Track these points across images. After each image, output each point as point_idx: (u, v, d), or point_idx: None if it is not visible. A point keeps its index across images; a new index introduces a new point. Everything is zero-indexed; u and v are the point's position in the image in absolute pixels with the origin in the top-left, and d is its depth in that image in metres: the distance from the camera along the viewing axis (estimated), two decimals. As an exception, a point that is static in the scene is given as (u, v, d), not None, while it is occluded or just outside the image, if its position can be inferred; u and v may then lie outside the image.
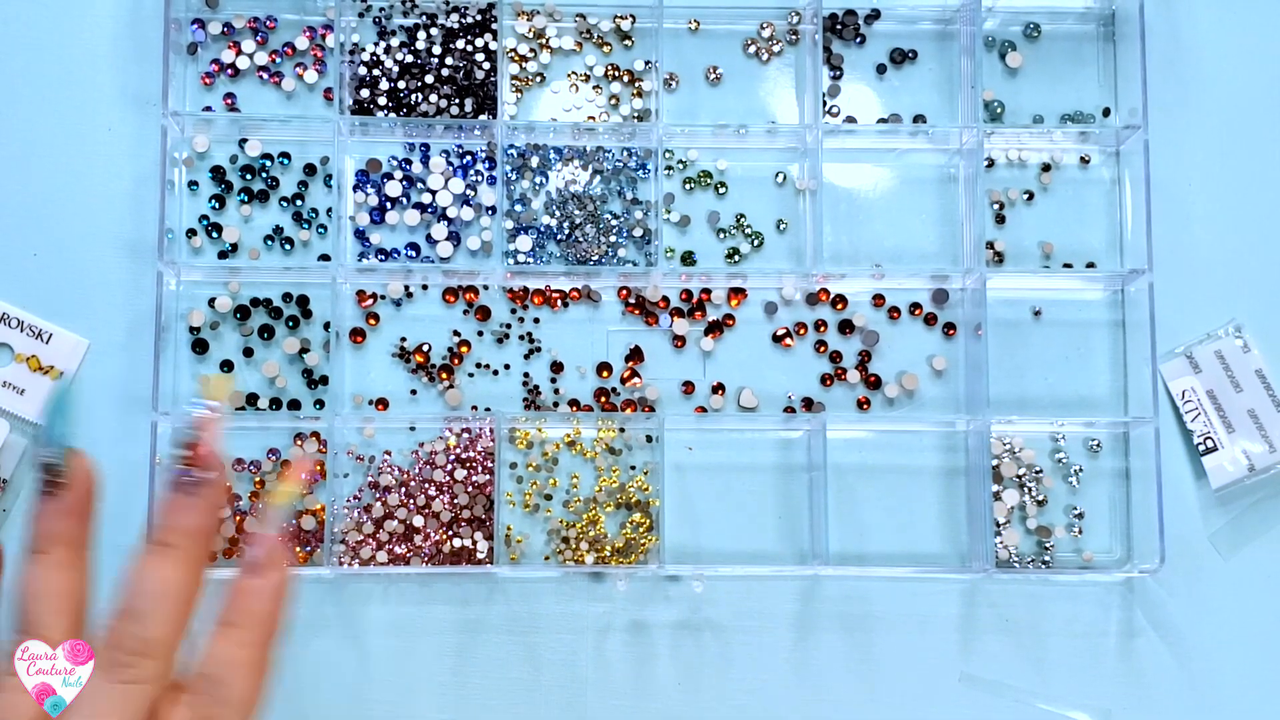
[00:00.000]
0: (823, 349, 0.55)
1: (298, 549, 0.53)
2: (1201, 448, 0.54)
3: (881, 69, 0.57)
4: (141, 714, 0.38)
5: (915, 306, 0.56)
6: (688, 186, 0.56)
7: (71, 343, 0.53)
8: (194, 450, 0.38)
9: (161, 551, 0.39)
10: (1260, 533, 0.55)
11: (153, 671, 0.38)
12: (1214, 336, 0.55)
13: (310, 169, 0.55)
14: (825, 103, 0.56)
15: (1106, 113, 0.57)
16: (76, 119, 0.55)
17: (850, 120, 0.56)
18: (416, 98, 0.55)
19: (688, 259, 0.55)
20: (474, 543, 0.53)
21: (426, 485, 0.53)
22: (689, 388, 0.55)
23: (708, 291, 0.55)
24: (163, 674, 0.38)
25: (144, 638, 0.38)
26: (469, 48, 0.55)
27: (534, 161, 0.55)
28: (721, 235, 0.56)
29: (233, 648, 0.39)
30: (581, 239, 0.55)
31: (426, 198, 0.55)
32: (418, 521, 0.53)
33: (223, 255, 0.54)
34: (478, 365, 0.55)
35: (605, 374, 0.55)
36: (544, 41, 0.56)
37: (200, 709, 0.38)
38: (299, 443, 0.53)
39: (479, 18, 0.55)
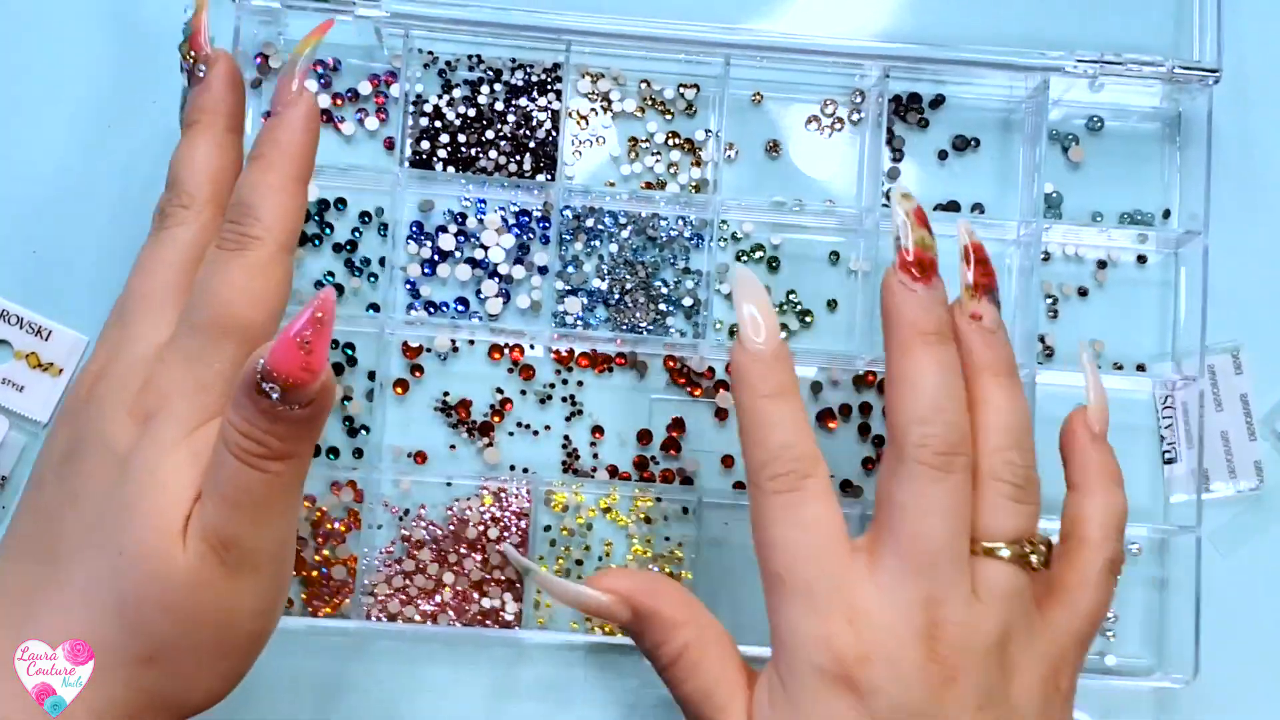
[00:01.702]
0: (866, 433, 0.55)
1: (327, 599, 0.52)
2: (1167, 455, 0.54)
3: (943, 154, 0.56)
4: (182, 252, 0.43)
5: (961, 395, 0.55)
6: (741, 259, 0.56)
7: (71, 340, 0.53)
8: (192, 43, 0.45)
9: (186, 131, 0.45)
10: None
11: (188, 215, 0.44)
12: (1211, 349, 0.55)
13: (365, 216, 0.55)
14: (884, 185, 0.56)
15: (1166, 214, 0.56)
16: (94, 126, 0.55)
17: (908, 204, 0.56)
18: (476, 152, 0.55)
19: (734, 332, 0.55)
20: (502, 604, 0.53)
21: (459, 543, 0.53)
22: (728, 461, 0.55)
23: (755, 366, 0.55)
24: (202, 217, 0.44)
25: (180, 192, 0.44)
26: (532, 106, 0.55)
27: (589, 223, 0.55)
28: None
29: (259, 173, 0.43)
30: (631, 305, 0.55)
31: (479, 253, 0.55)
32: (448, 579, 0.53)
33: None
34: (518, 424, 0.54)
35: (645, 442, 0.54)
36: (607, 104, 0.56)
37: (233, 231, 0.42)
38: (335, 491, 0.53)
39: (544, 77, 0.55)
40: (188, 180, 0.44)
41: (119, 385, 0.41)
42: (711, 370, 0.55)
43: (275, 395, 0.37)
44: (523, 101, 0.55)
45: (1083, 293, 0.56)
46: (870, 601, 0.41)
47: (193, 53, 0.45)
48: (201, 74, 0.45)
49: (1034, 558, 0.42)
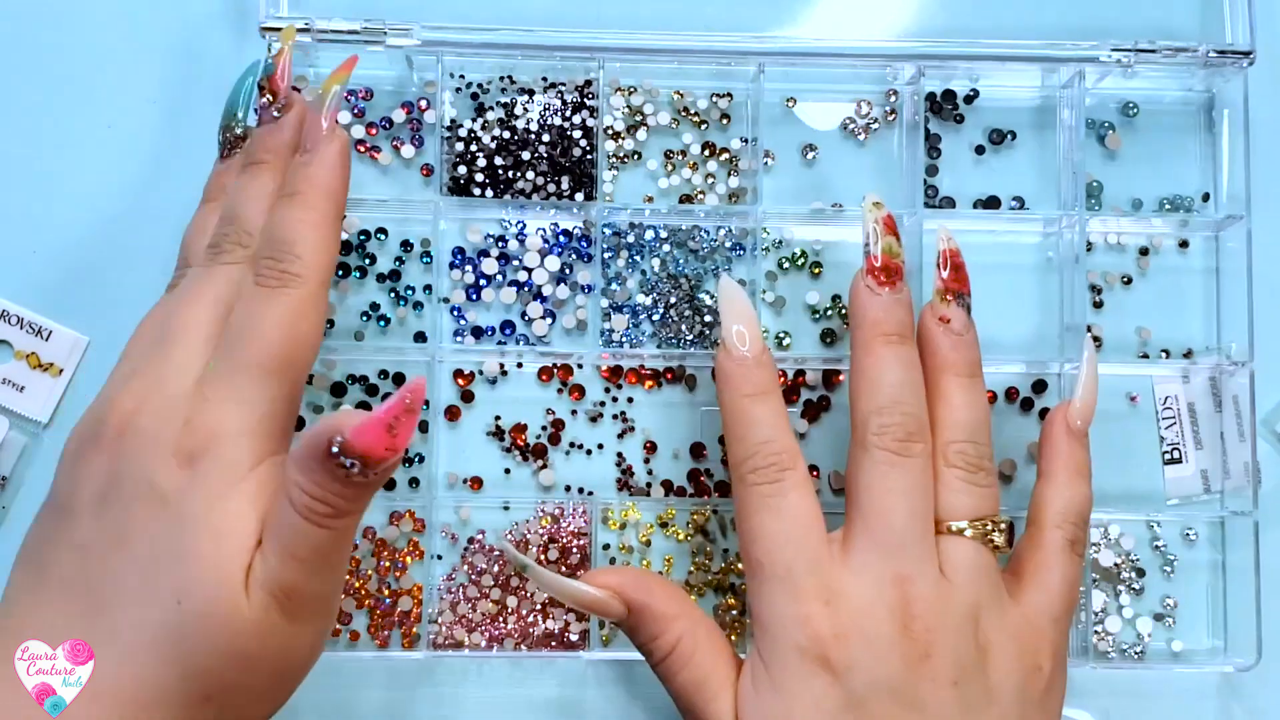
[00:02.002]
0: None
1: (393, 629, 0.53)
2: (1167, 456, 0.54)
3: (980, 149, 0.56)
4: (230, 289, 0.43)
5: (1011, 391, 0.55)
6: (783, 266, 0.56)
7: (71, 340, 0.54)
8: (271, 83, 0.46)
9: (253, 169, 0.45)
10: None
11: (243, 255, 0.44)
12: (1211, 349, 0.55)
13: (407, 245, 0.55)
14: (925, 184, 0.55)
15: (1206, 198, 0.56)
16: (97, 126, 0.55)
17: (948, 202, 0.56)
18: (514, 174, 0.54)
19: (783, 341, 0.55)
20: (566, 625, 0.53)
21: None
22: (782, 469, 0.55)
23: (803, 373, 0.55)
24: (251, 260, 0.43)
25: (237, 229, 0.44)
26: (566, 125, 0.55)
27: (630, 239, 0.55)
28: (817, 316, 0.55)
29: (295, 209, 0.43)
30: (677, 318, 0.55)
31: (522, 275, 0.55)
32: (511, 603, 0.53)
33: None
34: (571, 444, 0.54)
35: (698, 455, 0.55)
36: (641, 119, 0.56)
37: (271, 269, 0.42)
38: (395, 522, 0.53)
39: (576, 95, 0.55)
40: (250, 219, 0.44)
41: (162, 423, 0.40)
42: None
43: (353, 468, 0.37)
44: (557, 121, 0.55)
45: (1127, 281, 0.56)
46: (845, 583, 0.43)
47: (271, 92, 0.46)
48: (276, 115, 0.46)
49: (996, 536, 0.44)
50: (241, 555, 0.39)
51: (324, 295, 0.43)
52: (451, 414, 0.54)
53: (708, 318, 0.55)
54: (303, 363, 0.42)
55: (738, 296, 0.46)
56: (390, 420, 0.37)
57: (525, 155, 0.55)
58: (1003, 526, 0.45)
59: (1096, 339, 0.55)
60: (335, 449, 0.37)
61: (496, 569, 0.53)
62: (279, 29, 0.52)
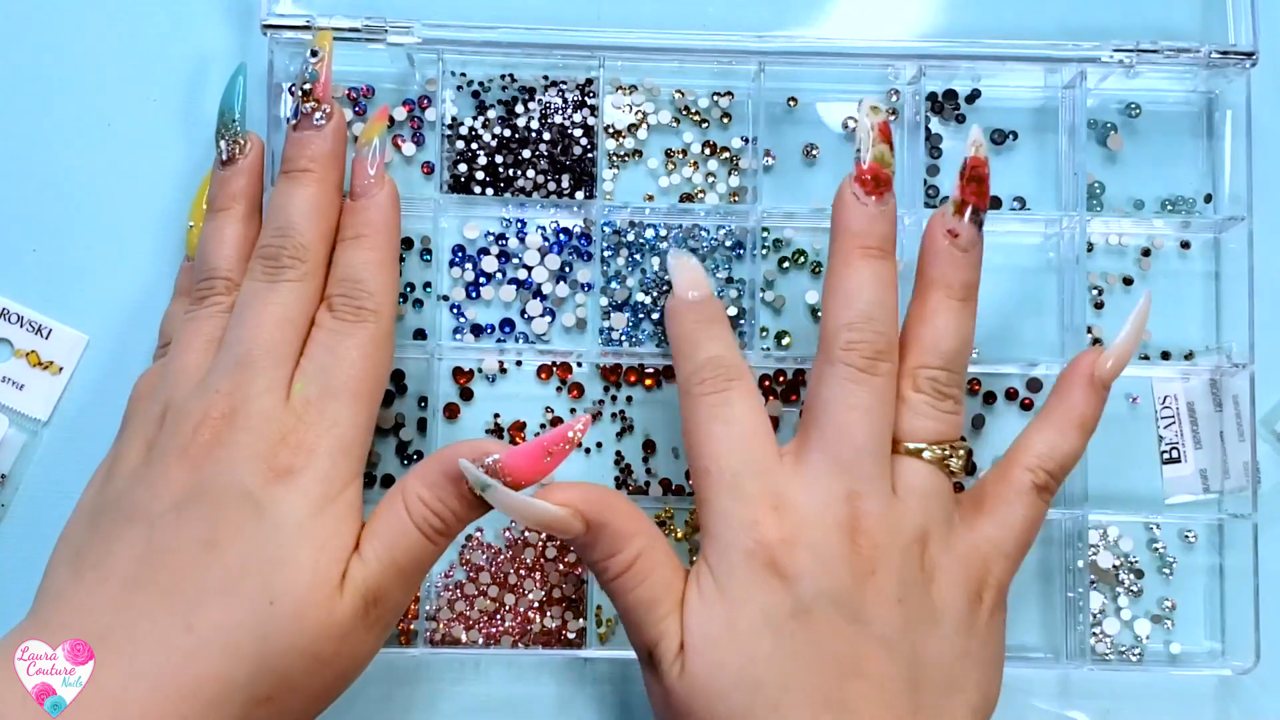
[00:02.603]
0: (917, 434, 0.55)
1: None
2: (1166, 456, 0.54)
3: (981, 150, 0.56)
4: (295, 309, 0.45)
5: (1010, 391, 0.55)
6: (783, 266, 0.56)
7: (71, 338, 0.54)
8: (313, 88, 0.46)
9: (298, 177, 0.46)
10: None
11: (303, 271, 0.45)
12: (1211, 350, 0.55)
13: (407, 243, 0.55)
14: (925, 183, 0.55)
15: (1208, 199, 0.56)
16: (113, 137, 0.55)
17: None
18: (514, 172, 0.55)
19: (782, 340, 0.55)
20: (564, 623, 0.53)
21: (517, 565, 0.53)
22: (781, 469, 0.55)
23: (802, 373, 0.55)
24: (313, 274, 0.45)
25: (294, 243, 0.45)
26: (567, 123, 0.55)
27: (630, 238, 0.55)
28: (816, 316, 0.55)
29: (363, 251, 0.46)
30: (676, 317, 0.55)
31: (522, 273, 0.55)
32: (508, 601, 0.53)
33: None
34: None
35: (697, 454, 0.55)
36: (641, 117, 0.56)
37: (347, 304, 0.45)
38: (392, 519, 0.53)
39: (577, 93, 0.55)
40: (304, 231, 0.45)
41: (257, 437, 0.42)
42: (768, 378, 0.55)
43: (492, 485, 0.41)
44: (558, 119, 0.55)
45: (1128, 282, 0.56)
46: (795, 491, 0.43)
47: (315, 99, 0.46)
48: (320, 123, 0.46)
49: (954, 461, 0.44)
50: (340, 564, 0.41)
51: (393, 328, 0.46)
52: (450, 411, 0.54)
53: (707, 317, 0.55)
54: (381, 390, 0.45)
55: (690, 263, 0.48)
56: (550, 449, 0.42)
57: (526, 153, 0.55)
58: (961, 453, 0.45)
59: (1096, 340, 0.55)
60: (485, 470, 0.41)
61: (494, 567, 0.53)
62: (320, 28, 0.51)
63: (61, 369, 0.54)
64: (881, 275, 0.45)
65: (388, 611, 0.42)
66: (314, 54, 0.47)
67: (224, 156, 0.48)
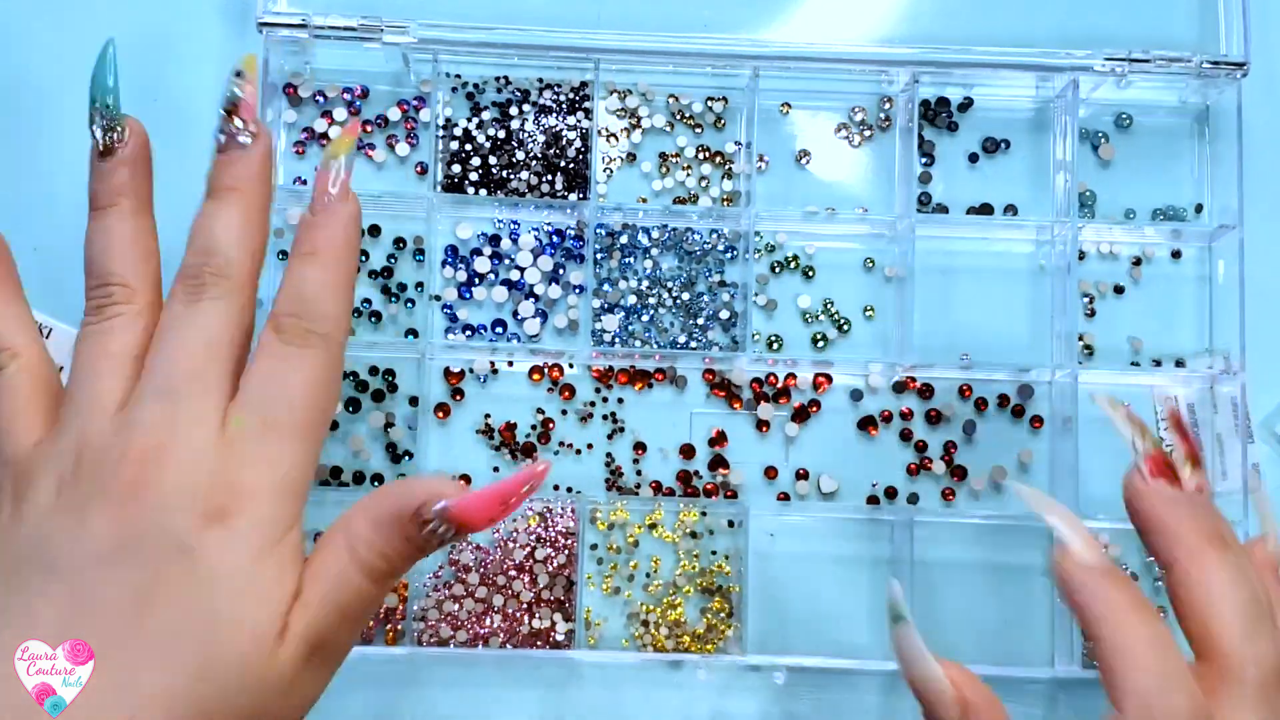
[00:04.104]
0: (908, 438, 0.55)
1: (378, 626, 0.52)
2: None
3: (974, 157, 0.56)
4: (222, 330, 0.40)
5: (1002, 398, 0.55)
6: (775, 270, 0.56)
7: (71, 338, 0.54)
8: (237, 108, 0.42)
9: (223, 195, 0.42)
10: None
11: (227, 288, 0.41)
12: (1203, 355, 0.55)
13: (400, 243, 0.55)
14: (918, 190, 0.56)
15: (1199, 208, 0.56)
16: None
17: (941, 209, 0.56)
18: (507, 174, 0.55)
19: (774, 343, 0.55)
20: (553, 624, 0.53)
21: (507, 565, 0.53)
22: (771, 473, 0.55)
23: (793, 376, 0.55)
24: (238, 290, 0.41)
25: (216, 261, 0.41)
26: (561, 125, 0.55)
27: (623, 240, 0.55)
28: (808, 320, 0.55)
29: (315, 270, 0.41)
30: (668, 320, 0.55)
31: (515, 274, 0.55)
32: (497, 601, 0.53)
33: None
34: (561, 444, 0.54)
35: (687, 456, 0.54)
36: (636, 121, 0.56)
37: (295, 326, 0.40)
38: (381, 518, 0.53)
39: (572, 96, 0.55)
40: (228, 247, 0.41)
41: (185, 476, 0.38)
42: (759, 381, 0.55)
43: (446, 532, 0.38)
44: (552, 121, 0.55)
45: (1119, 290, 0.56)
46: None
47: (242, 119, 0.42)
48: (246, 143, 0.42)
49: None
50: (280, 617, 0.37)
51: (343, 354, 0.41)
52: (441, 411, 0.54)
53: (700, 320, 0.55)
54: (327, 421, 0.41)
55: (1047, 501, 0.41)
56: (508, 497, 0.38)
57: (520, 155, 0.55)
58: None
59: (1088, 348, 0.55)
60: (431, 514, 0.37)
61: (483, 567, 0.53)
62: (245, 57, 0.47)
63: (61, 369, 0.54)
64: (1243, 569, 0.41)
65: (332, 656, 0.39)
66: (239, 74, 0.43)
67: (100, 146, 0.43)
